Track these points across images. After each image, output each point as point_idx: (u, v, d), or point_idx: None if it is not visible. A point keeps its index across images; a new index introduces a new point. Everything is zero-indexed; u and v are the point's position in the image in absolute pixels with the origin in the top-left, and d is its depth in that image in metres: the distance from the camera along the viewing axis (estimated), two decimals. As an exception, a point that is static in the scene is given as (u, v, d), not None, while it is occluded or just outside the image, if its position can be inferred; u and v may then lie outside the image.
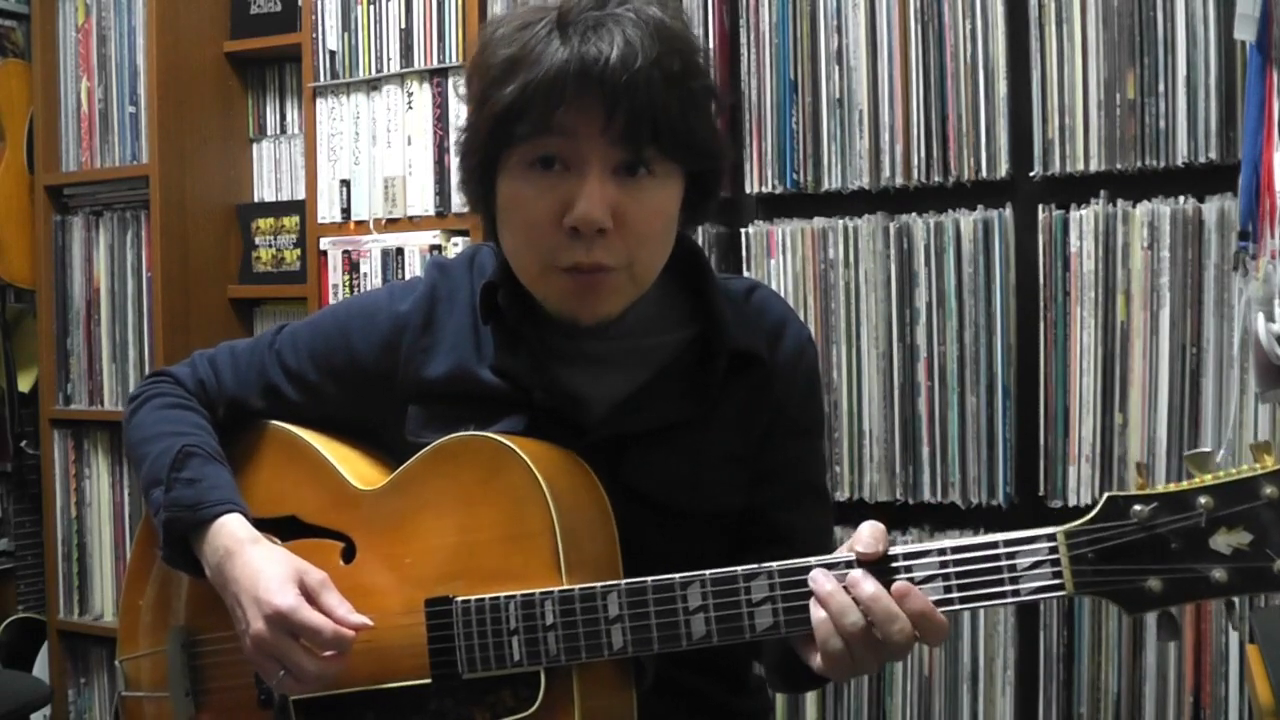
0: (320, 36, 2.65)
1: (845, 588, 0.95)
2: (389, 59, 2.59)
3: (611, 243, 1.06)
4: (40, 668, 3.00)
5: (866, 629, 0.94)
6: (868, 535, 0.96)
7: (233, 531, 1.16)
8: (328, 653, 1.08)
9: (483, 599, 1.06)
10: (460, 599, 1.08)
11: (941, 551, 0.94)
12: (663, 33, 1.05)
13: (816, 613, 0.96)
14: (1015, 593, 0.92)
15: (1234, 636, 1.91)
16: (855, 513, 2.19)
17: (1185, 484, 0.89)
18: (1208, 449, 0.92)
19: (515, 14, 1.09)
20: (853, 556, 0.96)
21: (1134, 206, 1.99)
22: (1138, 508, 0.89)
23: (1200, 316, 1.95)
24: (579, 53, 1.02)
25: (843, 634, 0.94)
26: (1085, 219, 2.01)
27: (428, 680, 1.09)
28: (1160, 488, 0.90)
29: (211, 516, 1.17)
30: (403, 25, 2.57)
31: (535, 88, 1.03)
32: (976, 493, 2.10)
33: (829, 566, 0.97)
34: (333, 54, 2.64)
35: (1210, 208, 1.94)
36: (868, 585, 0.94)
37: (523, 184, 1.08)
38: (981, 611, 2.10)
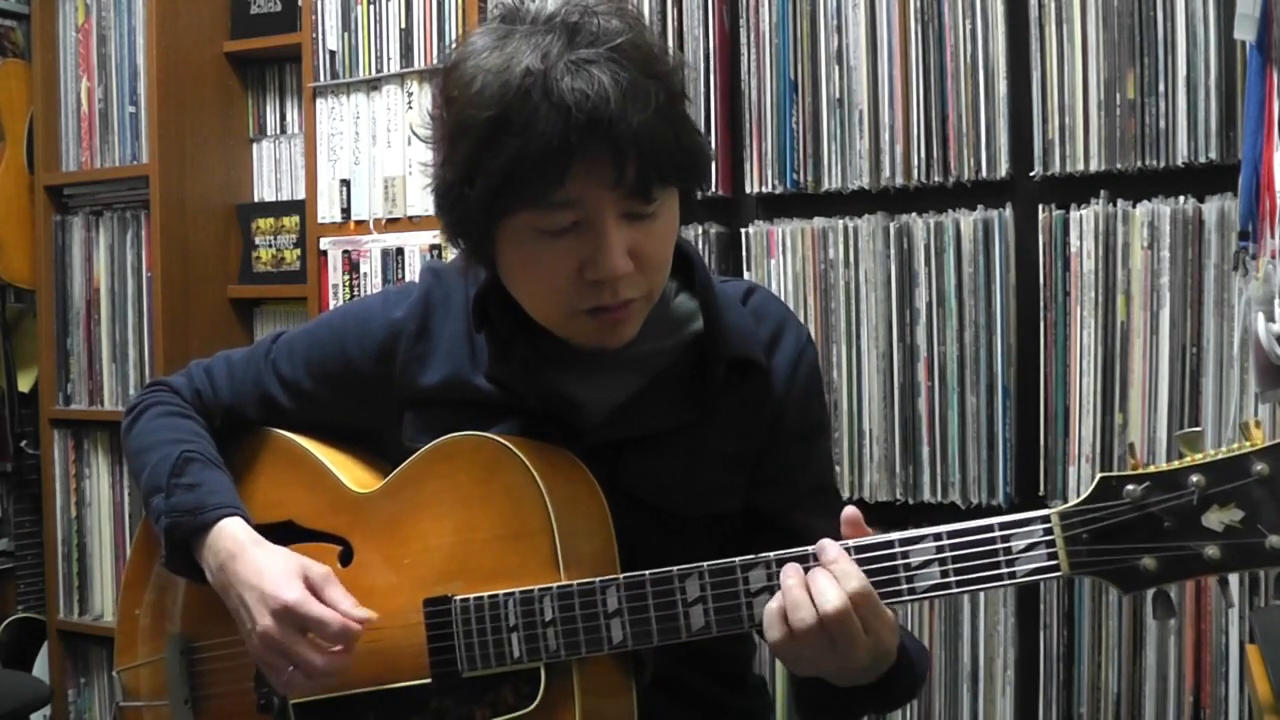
0: (320, 36, 2.65)
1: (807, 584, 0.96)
2: (389, 59, 2.59)
3: (633, 279, 1.05)
4: (40, 668, 3.00)
5: (816, 626, 0.94)
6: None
7: (233, 534, 1.16)
8: (335, 647, 1.09)
9: (481, 597, 1.07)
10: (459, 598, 1.08)
11: (938, 536, 0.95)
12: (637, 59, 1.00)
13: (771, 603, 0.97)
14: (1012, 575, 0.93)
15: (1234, 636, 1.91)
16: (855, 513, 2.19)
17: (1177, 463, 0.90)
18: (1199, 428, 0.92)
19: (482, 54, 1.01)
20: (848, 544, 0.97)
21: (1134, 206, 1.99)
22: (1130, 487, 0.90)
23: (1200, 316, 1.94)
24: (575, 118, 0.96)
25: (791, 626, 0.95)
26: (1085, 219, 2.01)
27: (428, 680, 1.09)
28: (1153, 467, 0.91)
29: (212, 521, 1.17)
30: (403, 25, 2.57)
31: (534, 160, 0.97)
32: (976, 493, 2.10)
33: (819, 555, 0.97)
34: (333, 54, 2.64)
35: (1210, 208, 1.93)
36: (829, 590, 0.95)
37: (534, 248, 1.04)
38: (981, 611, 2.10)
